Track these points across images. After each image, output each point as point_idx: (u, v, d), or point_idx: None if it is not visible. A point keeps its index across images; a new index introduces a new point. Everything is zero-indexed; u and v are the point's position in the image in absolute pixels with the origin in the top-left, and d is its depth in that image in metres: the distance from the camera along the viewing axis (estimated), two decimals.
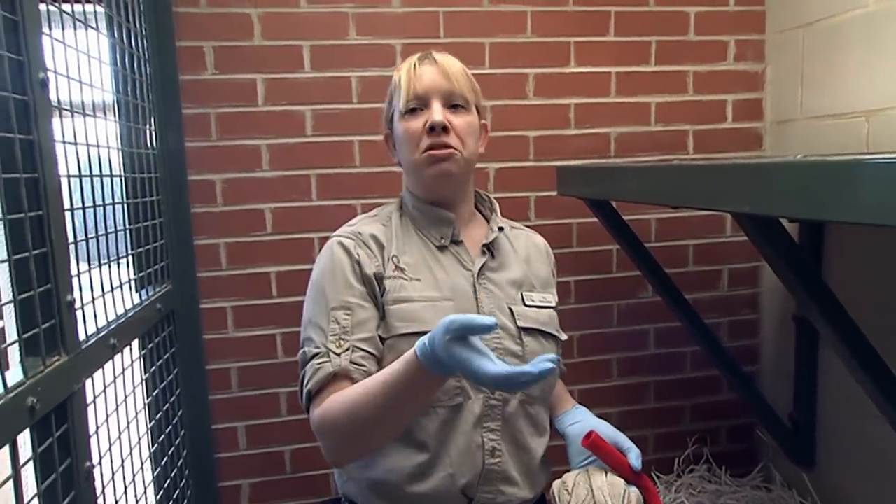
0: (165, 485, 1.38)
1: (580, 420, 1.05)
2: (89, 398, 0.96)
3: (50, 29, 0.89)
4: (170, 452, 1.43)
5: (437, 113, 0.96)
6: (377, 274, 0.97)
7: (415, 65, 0.99)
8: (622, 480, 0.94)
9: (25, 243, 0.79)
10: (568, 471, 0.99)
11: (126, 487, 1.13)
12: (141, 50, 1.39)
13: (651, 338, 1.92)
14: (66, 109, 0.94)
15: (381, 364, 0.93)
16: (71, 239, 0.92)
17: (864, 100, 1.51)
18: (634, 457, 0.96)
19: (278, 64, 1.65)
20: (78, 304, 0.92)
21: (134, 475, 1.17)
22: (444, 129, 0.96)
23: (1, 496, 0.71)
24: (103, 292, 1.08)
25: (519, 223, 1.17)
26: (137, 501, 1.19)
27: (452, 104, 0.98)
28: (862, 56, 1.51)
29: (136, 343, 1.25)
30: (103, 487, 1.01)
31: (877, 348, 1.01)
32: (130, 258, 1.30)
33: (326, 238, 1.02)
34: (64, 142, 0.92)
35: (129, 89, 1.31)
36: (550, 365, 0.71)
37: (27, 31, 0.80)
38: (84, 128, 1.02)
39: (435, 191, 1.02)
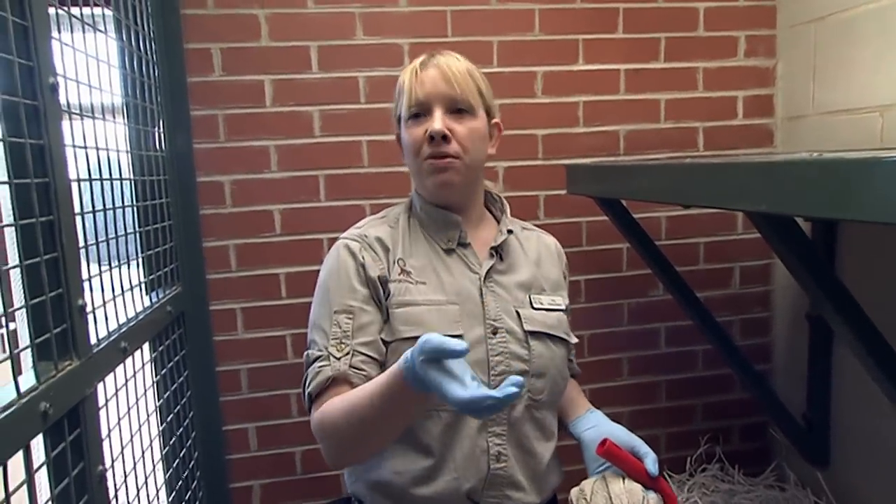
0: (177, 486, 1.39)
1: (595, 425, 1.04)
2: (101, 401, 0.96)
3: (59, 33, 0.89)
4: (181, 454, 1.43)
5: (438, 121, 0.94)
6: (381, 277, 0.96)
7: (417, 69, 0.98)
8: (640, 486, 0.93)
9: (37, 248, 0.79)
10: (583, 472, 0.98)
11: (138, 490, 1.13)
12: (149, 52, 1.39)
13: (662, 336, 1.91)
14: (75, 113, 0.94)
15: (383, 367, 0.93)
16: (81, 243, 0.92)
17: (878, 95, 1.49)
18: (651, 462, 0.95)
19: (286, 65, 1.64)
20: (89, 308, 0.92)
21: (146, 477, 1.17)
22: (445, 137, 0.94)
23: (15, 501, 0.71)
24: (114, 296, 1.08)
25: (530, 224, 1.16)
26: (150, 503, 1.19)
27: (455, 109, 0.96)
28: (875, 50, 1.49)
29: (146, 346, 1.25)
30: (116, 490, 1.02)
31: (893, 346, 0.99)
32: (140, 261, 1.30)
33: (335, 239, 1.03)
34: (74, 146, 0.92)
35: (137, 92, 1.32)
36: (514, 389, 0.70)
37: (37, 35, 0.80)
38: (94, 131, 1.03)
39: (438, 198, 1.01)
